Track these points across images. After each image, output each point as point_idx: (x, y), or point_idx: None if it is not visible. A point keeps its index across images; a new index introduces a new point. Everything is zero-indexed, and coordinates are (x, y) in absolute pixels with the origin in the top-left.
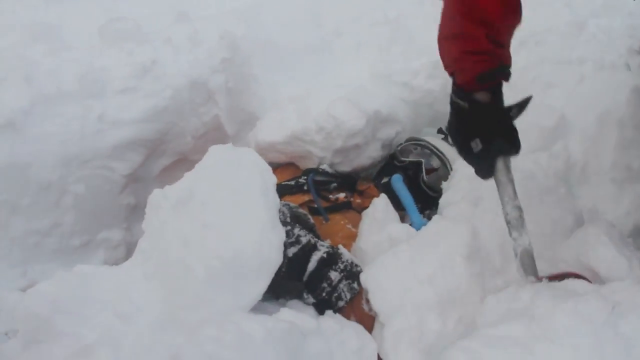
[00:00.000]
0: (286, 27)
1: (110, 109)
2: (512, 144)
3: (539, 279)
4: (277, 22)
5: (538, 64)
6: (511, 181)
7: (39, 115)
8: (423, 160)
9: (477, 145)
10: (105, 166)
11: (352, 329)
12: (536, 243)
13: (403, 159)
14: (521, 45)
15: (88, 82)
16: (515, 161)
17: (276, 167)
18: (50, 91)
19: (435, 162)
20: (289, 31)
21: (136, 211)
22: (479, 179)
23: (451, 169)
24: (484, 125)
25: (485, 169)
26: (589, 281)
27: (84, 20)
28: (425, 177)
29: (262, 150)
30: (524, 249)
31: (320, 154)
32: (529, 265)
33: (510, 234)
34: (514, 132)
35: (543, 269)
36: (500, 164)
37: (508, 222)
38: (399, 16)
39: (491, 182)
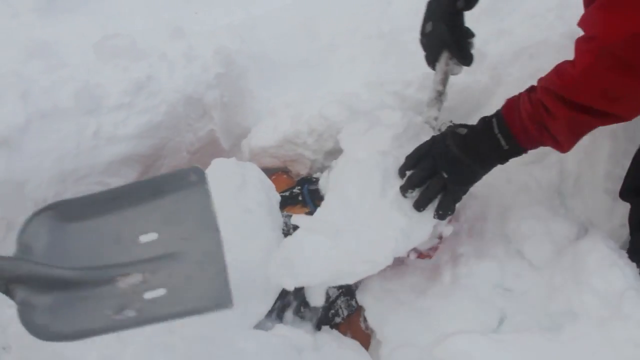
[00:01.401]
0: (280, 42)
1: (106, 125)
2: (456, 38)
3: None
4: (272, 37)
5: (532, 76)
6: (444, 73)
7: (35, 132)
8: None
9: (429, 27)
10: (101, 182)
11: (349, 346)
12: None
13: None
14: (515, 58)
15: (84, 99)
16: (510, 173)
17: (270, 174)
18: (46, 108)
19: None
20: (284, 45)
21: None
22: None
23: None
24: (436, 9)
25: (429, 53)
26: None
27: (79, 37)
28: None
29: (256, 156)
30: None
31: (312, 157)
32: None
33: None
34: (462, 29)
35: (539, 281)
36: (443, 56)
37: (426, 103)
38: (393, 30)
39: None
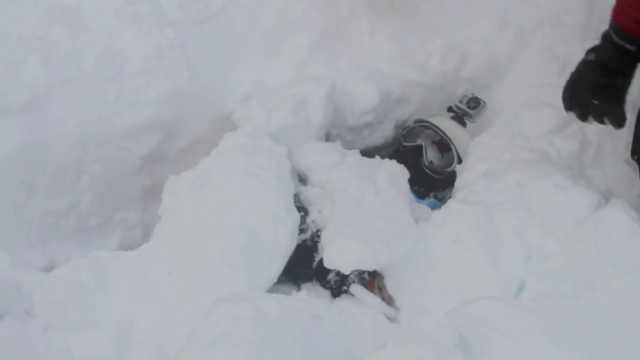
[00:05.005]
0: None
1: (128, 91)
2: None
3: None
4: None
5: (554, 45)
6: None
7: (57, 96)
8: (423, 144)
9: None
10: (122, 147)
11: (368, 311)
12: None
13: (405, 144)
14: (538, 27)
15: (106, 64)
16: (531, 142)
17: None
18: (68, 73)
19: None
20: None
21: (152, 192)
22: (493, 159)
23: (457, 152)
24: None
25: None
26: None
27: (102, 2)
28: (426, 161)
29: None
30: None
31: (333, 132)
32: None
33: None
34: None
35: (559, 250)
36: None
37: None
38: (413, 0)
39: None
